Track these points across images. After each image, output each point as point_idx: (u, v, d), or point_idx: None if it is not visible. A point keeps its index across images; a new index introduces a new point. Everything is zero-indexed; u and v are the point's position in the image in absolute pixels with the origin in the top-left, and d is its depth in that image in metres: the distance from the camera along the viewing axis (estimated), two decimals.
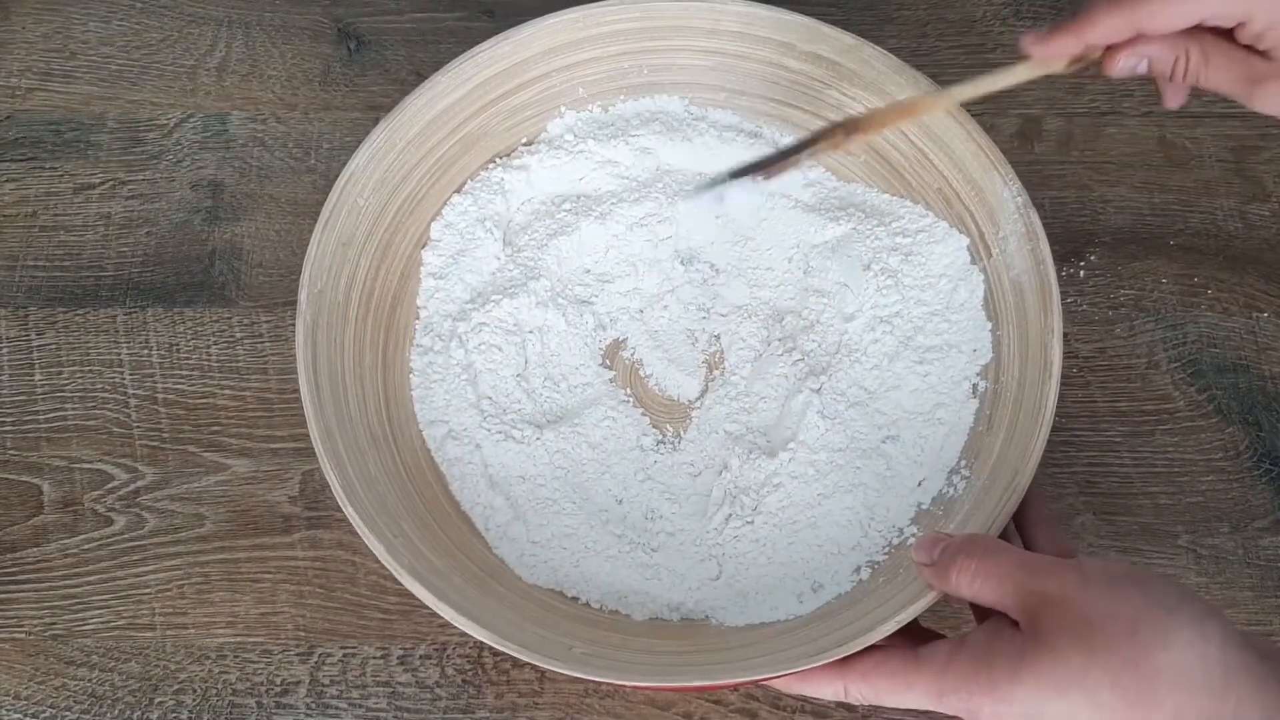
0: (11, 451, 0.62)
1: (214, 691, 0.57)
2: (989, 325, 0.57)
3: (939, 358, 0.56)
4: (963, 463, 0.54)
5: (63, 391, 0.63)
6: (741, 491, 0.55)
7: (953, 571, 0.44)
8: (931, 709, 0.44)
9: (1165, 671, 0.39)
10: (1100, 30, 0.45)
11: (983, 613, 0.45)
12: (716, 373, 0.60)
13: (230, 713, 0.56)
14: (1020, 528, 0.51)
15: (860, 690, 0.46)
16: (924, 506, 0.54)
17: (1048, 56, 0.48)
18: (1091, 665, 0.39)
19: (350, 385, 0.54)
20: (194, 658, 0.58)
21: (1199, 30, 0.46)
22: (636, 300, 0.61)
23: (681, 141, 0.62)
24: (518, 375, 0.58)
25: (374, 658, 0.58)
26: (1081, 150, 0.70)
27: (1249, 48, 0.45)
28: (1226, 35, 0.46)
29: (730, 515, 0.55)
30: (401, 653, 0.58)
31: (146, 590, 0.59)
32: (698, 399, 0.59)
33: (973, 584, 0.44)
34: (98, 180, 0.69)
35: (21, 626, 0.58)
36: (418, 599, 0.48)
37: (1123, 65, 0.48)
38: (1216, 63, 0.44)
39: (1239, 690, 0.39)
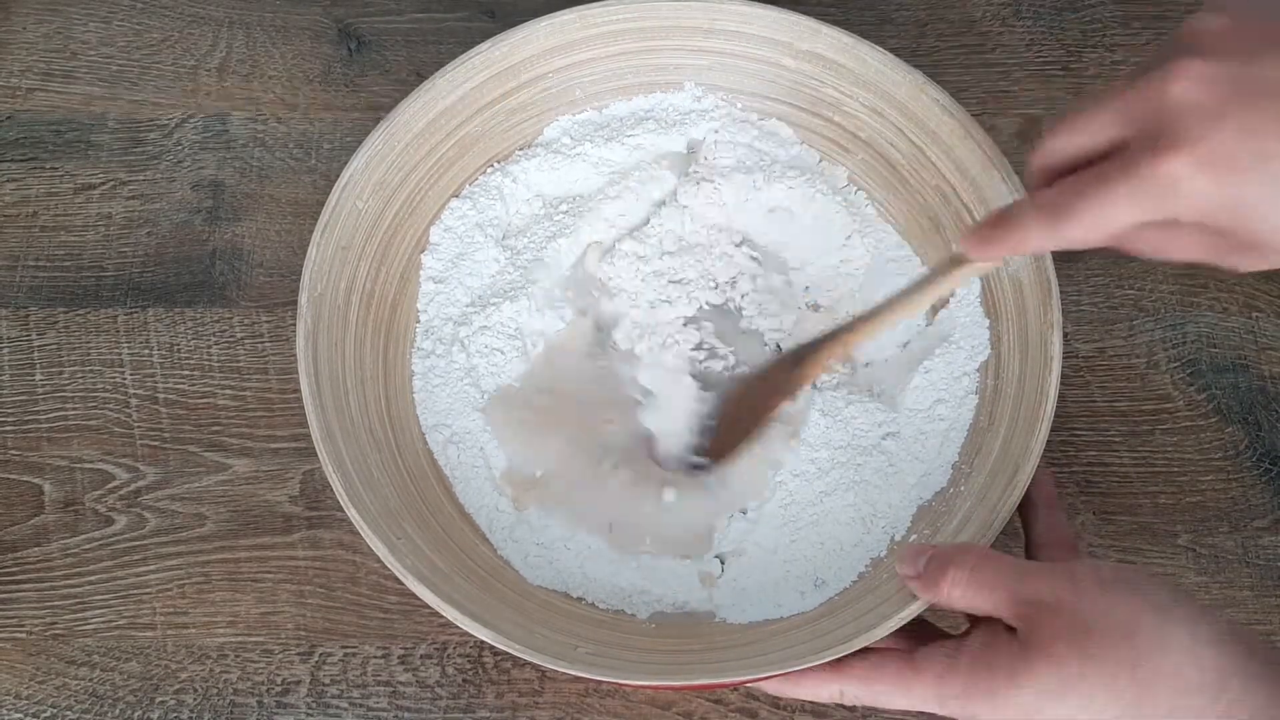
0: (13, 451, 0.62)
1: (215, 691, 0.57)
2: (987, 322, 0.57)
3: (938, 354, 0.57)
4: (963, 459, 0.55)
5: (64, 391, 0.64)
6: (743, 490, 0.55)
7: (944, 583, 0.44)
8: (929, 711, 0.44)
9: (1160, 675, 0.39)
10: (1033, 242, 0.44)
11: (976, 615, 0.46)
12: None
13: (231, 712, 0.56)
14: (1021, 511, 0.51)
15: (857, 693, 0.46)
16: (925, 503, 0.54)
17: (984, 259, 0.47)
18: (1087, 670, 0.40)
19: (351, 388, 0.54)
20: (195, 657, 0.58)
21: None
22: (636, 299, 0.61)
23: (677, 137, 0.63)
24: (520, 378, 0.58)
25: (375, 657, 0.58)
26: None
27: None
28: None
29: (732, 513, 0.55)
30: (402, 652, 0.58)
31: (147, 590, 0.59)
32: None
33: (965, 594, 0.44)
34: (98, 180, 0.69)
35: (22, 626, 0.58)
36: (419, 599, 0.48)
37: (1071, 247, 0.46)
38: (1178, 240, 0.41)
39: (1232, 692, 0.39)
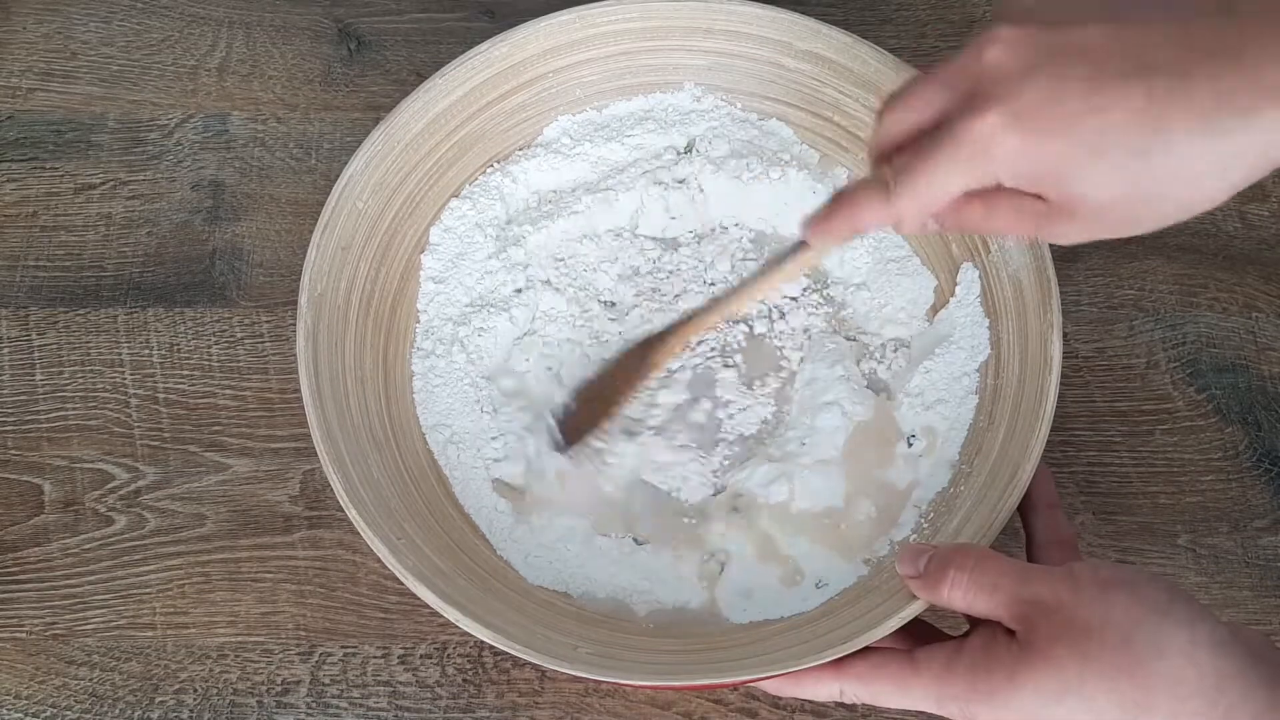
0: (13, 451, 0.62)
1: (215, 691, 0.57)
2: (987, 322, 0.57)
3: (938, 354, 0.57)
4: (963, 459, 0.55)
5: (64, 391, 0.64)
6: (743, 489, 0.55)
7: (944, 585, 0.44)
8: (929, 711, 0.44)
9: (1159, 678, 0.39)
10: (867, 218, 0.44)
11: (975, 618, 0.46)
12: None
13: (231, 712, 0.56)
14: (1021, 511, 0.51)
15: (857, 692, 0.47)
16: (925, 503, 0.54)
17: (824, 243, 0.48)
18: (1087, 673, 0.40)
19: (351, 389, 0.54)
20: (195, 657, 0.58)
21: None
22: (637, 299, 0.61)
23: (677, 137, 0.63)
24: (520, 378, 0.58)
25: (375, 657, 0.58)
26: None
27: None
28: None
29: (733, 512, 0.55)
30: (402, 652, 0.58)
31: (147, 590, 0.59)
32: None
33: (965, 595, 0.44)
34: (98, 180, 0.69)
35: (22, 626, 0.58)
36: (419, 599, 0.48)
37: (908, 231, 0.47)
38: (999, 212, 0.42)
39: (1230, 695, 0.39)
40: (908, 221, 0.43)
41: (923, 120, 0.42)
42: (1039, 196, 0.40)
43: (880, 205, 0.43)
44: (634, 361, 0.55)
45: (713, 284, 0.60)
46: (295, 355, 0.53)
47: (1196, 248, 0.67)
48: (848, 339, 0.59)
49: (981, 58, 0.40)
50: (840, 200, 0.45)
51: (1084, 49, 0.38)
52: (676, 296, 0.60)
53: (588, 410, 0.56)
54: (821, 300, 0.60)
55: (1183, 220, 0.40)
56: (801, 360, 0.58)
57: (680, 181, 0.61)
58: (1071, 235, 0.41)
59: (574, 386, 0.57)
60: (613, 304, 0.60)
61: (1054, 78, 0.38)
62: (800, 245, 0.49)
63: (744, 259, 0.61)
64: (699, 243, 0.62)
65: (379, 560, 0.49)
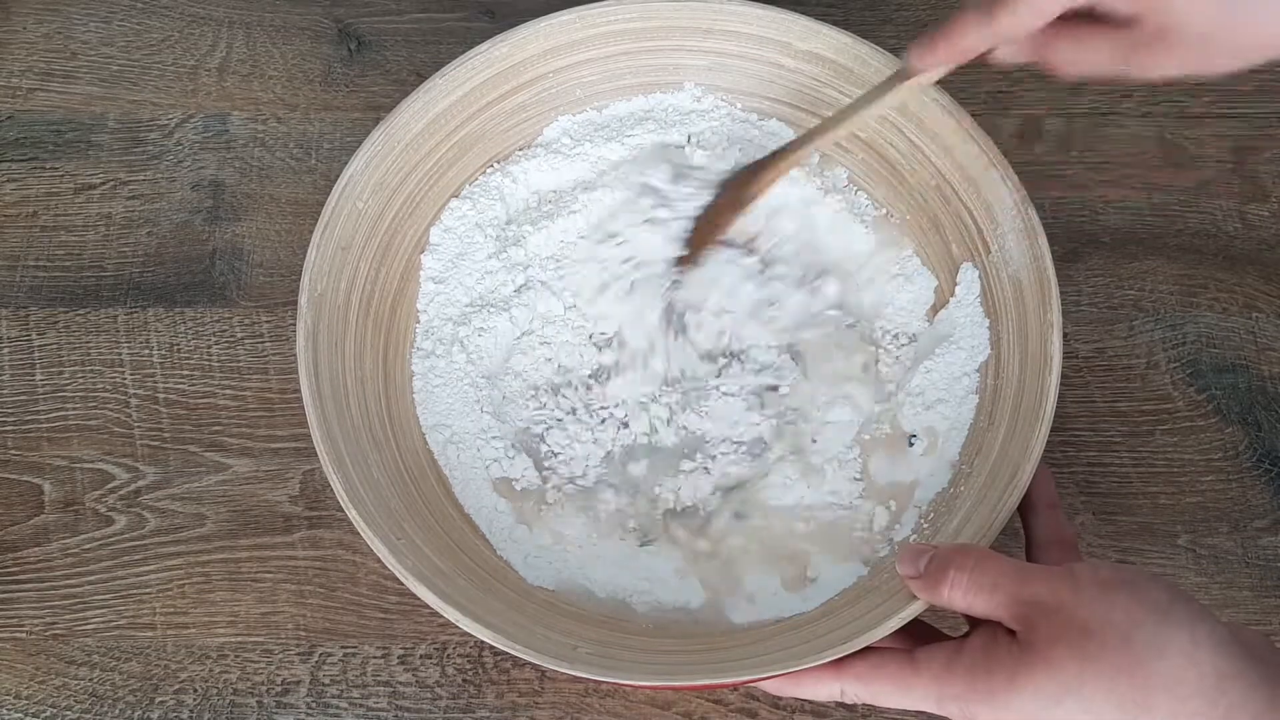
0: (13, 451, 0.62)
1: (215, 691, 0.57)
2: (987, 322, 0.57)
3: (938, 354, 0.57)
4: (963, 459, 0.55)
5: (64, 391, 0.64)
6: (743, 489, 0.55)
7: (944, 585, 0.44)
8: (928, 711, 0.44)
9: (1159, 679, 0.39)
10: (970, 40, 0.48)
11: (975, 618, 0.45)
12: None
13: (231, 712, 0.56)
14: (1021, 511, 0.51)
15: (857, 692, 0.46)
16: (925, 503, 0.54)
17: (928, 68, 0.51)
18: (1086, 674, 0.40)
19: (352, 389, 0.54)
20: (195, 657, 0.58)
21: (1067, 18, 0.46)
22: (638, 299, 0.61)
23: (677, 137, 0.62)
24: (520, 378, 0.58)
25: (374, 657, 0.58)
26: (1081, 150, 0.70)
27: (1115, 22, 0.46)
28: (1092, 17, 0.47)
29: (734, 513, 0.55)
30: (402, 652, 0.58)
31: (147, 590, 0.59)
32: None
33: (965, 596, 0.44)
34: (98, 180, 0.69)
35: (22, 626, 0.58)
36: (419, 599, 0.48)
37: (1003, 59, 0.50)
38: (1090, 44, 0.45)
39: (1230, 696, 0.39)
40: (1007, 42, 0.46)
41: None
42: (1129, 27, 0.43)
43: (982, 26, 0.46)
44: (735, 191, 0.57)
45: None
46: (295, 355, 0.53)
47: (1196, 248, 0.67)
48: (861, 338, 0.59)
49: None
50: (944, 27, 0.48)
51: None
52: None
53: (699, 231, 0.58)
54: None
55: (1264, 61, 0.43)
56: (806, 360, 0.58)
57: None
58: (1161, 66, 0.44)
59: (695, 210, 0.58)
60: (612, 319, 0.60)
61: None
62: (895, 76, 0.52)
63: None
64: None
65: (379, 560, 0.49)
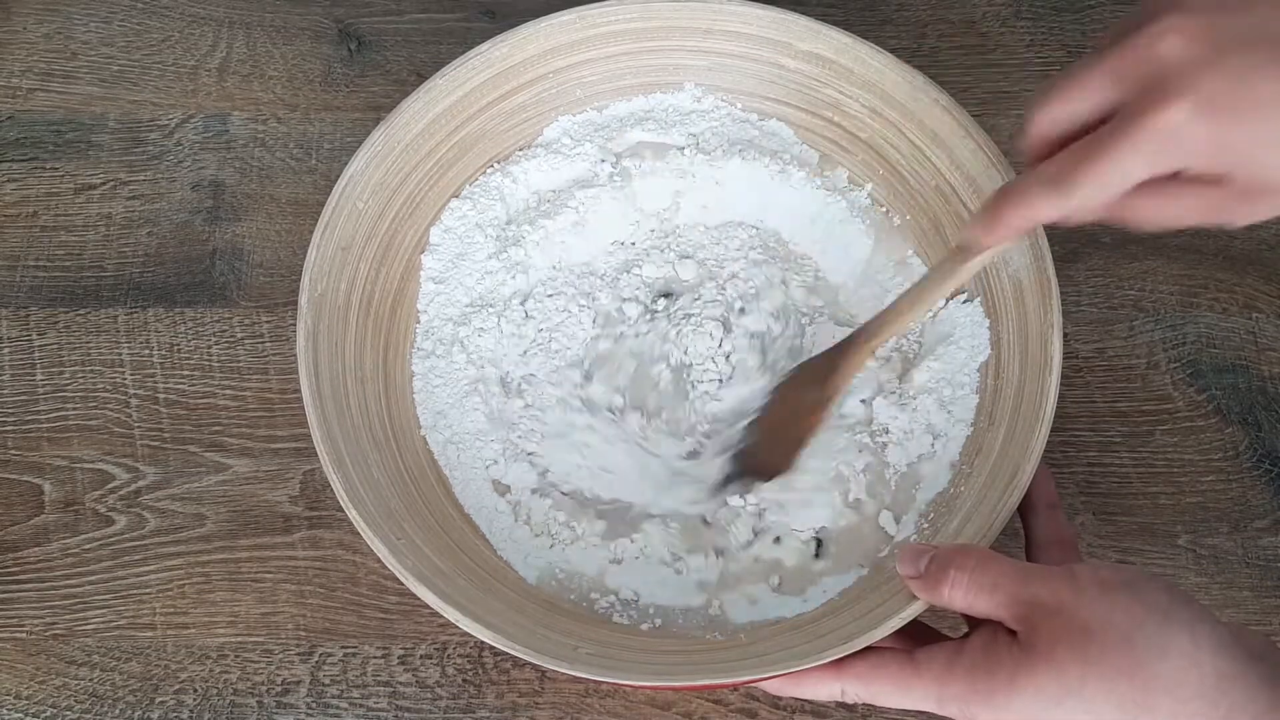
0: (13, 451, 0.62)
1: (215, 691, 0.57)
2: (987, 322, 0.57)
3: (938, 354, 0.57)
4: (963, 459, 0.55)
5: (64, 391, 0.64)
6: (746, 488, 0.55)
7: (944, 585, 0.44)
8: (929, 711, 0.44)
9: (1160, 680, 0.39)
10: (1040, 214, 0.44)
11: (975, 618, 0.46)
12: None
13: (231, 712, 0.56)
14: (1021, 511, 0.51)
15: (857, 692, 0.46)
16: (926, 503, 0.54)
17: (998, 241, 0.48)
18: (1088, 675, 0.40)
19: (352, 389, 0.54)
20: (195, 657, 0.58)
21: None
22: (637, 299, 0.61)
23: (678, 138, 0.63)
24: (521, 378, 0.58)
25: (375, 657, 0.58)
26: None
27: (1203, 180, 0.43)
28: (1175, 175, 0.43)
29: (734, 514, 0.55)
30: (402, 652, 0.58)
31: (147, 590, 0.59)
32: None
33: (966, 596, 0.43)
34: (99, 180, 0.69)
35: (22, 626, 0.58)
36: (419, 599, 0.48)
37: (1078, 221, 0.46)
38: (1177, 202, 0.42)
39: (1231, 697, 0.39)
40: (1083, 214, 0.44)
41: (1090, 112, 0.43)
42: (1218, 185, 0.41)
43: (1053, 199, 0.43)
44: (806, 390, 0.55)
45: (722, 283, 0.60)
46: (295, 355, 0.53)
47: (1197, 248, 0.67)
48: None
49: (1155, 48, 0.40)
50: (1007, 197, 0.45)
51: (1266, 35, 0.39)
52: (679, 297, 0.60)
53: (770, 445, 0.55)
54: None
55: None
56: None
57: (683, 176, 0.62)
58: (1254, 214, 0.42)
59: (744, 431, 0.56)
60: (618, 308, 0.60)
61: (1238, 65, 0.39)
62: (956, 251, 0.49)
63: (749, 256, 0.61)
64: (704, 243, 0.62)
65: (379, 560, 0.49)
